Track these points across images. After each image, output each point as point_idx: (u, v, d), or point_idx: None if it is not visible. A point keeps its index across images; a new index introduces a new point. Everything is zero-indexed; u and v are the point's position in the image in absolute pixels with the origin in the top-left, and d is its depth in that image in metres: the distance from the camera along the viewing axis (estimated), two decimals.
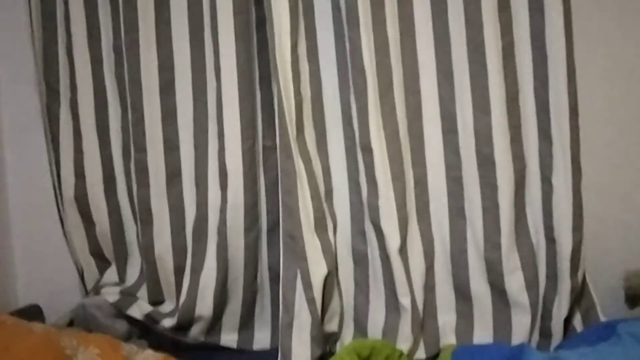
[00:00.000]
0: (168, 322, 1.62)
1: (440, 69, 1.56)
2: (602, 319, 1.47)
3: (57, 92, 1.70)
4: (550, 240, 1.49)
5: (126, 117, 1.67)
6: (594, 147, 1.54)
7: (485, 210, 1.53)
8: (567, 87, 1.44)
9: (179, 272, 1.66)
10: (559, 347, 1.41)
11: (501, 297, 1.53)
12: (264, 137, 1.65)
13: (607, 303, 1.50)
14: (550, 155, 1.49)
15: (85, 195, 1.71)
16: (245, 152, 1.61)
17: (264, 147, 1.65)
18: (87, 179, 1.71)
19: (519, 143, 1.52)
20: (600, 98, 1.59)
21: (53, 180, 1.73)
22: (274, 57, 1.52)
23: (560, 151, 1.47)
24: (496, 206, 1.52)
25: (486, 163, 1.52)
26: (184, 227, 1.67)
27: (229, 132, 1.60)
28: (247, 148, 1.61)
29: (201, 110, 1.65)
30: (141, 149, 1.64)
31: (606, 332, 1.31)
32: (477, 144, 1.53)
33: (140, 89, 1.63)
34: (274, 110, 1.60)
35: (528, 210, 1.53)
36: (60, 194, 1.72)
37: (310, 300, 1.49)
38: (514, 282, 1.51)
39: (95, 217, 1.72)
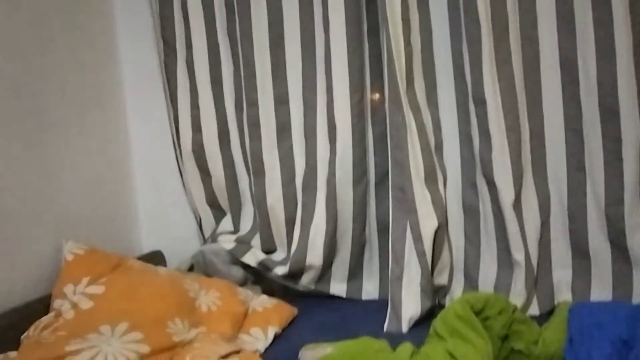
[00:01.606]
0: (280, 270, 1.67)
1: (561, 15, 1.47)
2: None
3: (174, 50, 1.76)
4: None
5: (238, 73, 1.71)
6: None
7: (607, 164, 1.45)
8: None
9: (290, 222, 1.70)
10: None
11: (622, 254, 1.46)
12: (372, 89, 1.64)
13: None
14: None
15: (202, 148, 1.77)
16: (354, 105, 1.60)
17: (372, 99, 1.65)
18: (204, 133, 1.77)
19: None
20: None
21: (172, 135, 1.81)
22: (384, 6, 1.50)
23: None
24: (620, 160, 1.44)
25: (610, 114, 1.44)
26: (294, 179, 1.70)
27: (338, 86, 1.60)
28: (355, 101, 1.60)
29: (310, 64, 1.66)
30: (253, 103, 1.68)
31: None
32: (600, 95, 1.44)
33: (252, 44, 1.65)
34: (382, 62, 1.59)
35: None
36: (179, 148, 1.79)
37: (420, 253, 1.49)
38: (638, 240, 1.44)
39: (211, 170, 1.79)
